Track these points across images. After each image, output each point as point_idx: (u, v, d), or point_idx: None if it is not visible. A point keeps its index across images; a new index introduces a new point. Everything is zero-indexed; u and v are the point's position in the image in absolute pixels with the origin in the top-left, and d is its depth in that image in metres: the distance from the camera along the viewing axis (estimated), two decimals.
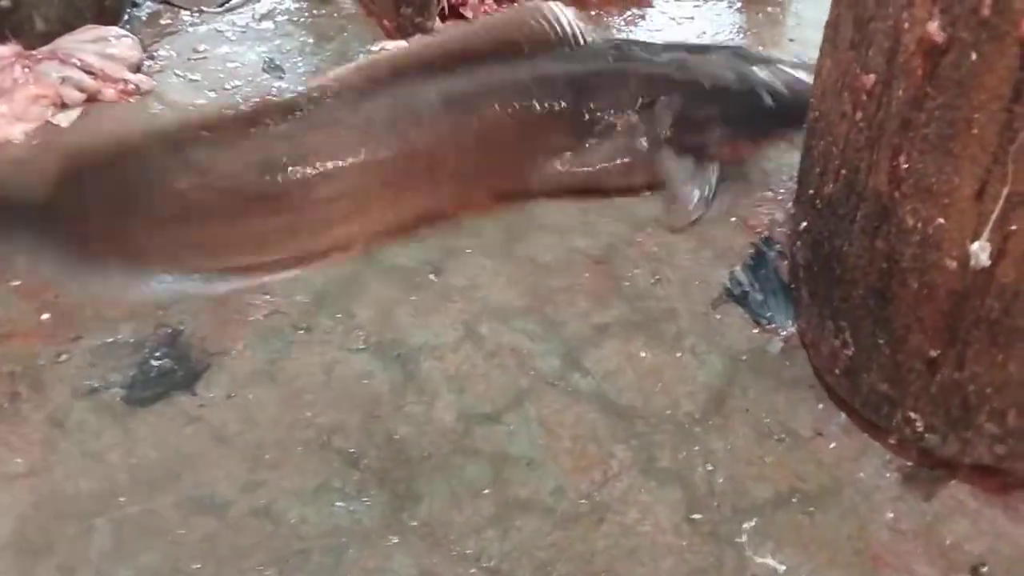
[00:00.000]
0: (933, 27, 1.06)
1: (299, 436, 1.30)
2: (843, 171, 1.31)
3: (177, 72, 2.07)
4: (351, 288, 1.54)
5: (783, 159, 1.87)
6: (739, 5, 2.51)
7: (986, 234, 1.07)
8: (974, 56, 1.02)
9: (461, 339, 1.46)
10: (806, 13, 2.41)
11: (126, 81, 1.98)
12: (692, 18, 2.43)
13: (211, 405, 1.34)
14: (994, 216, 1.06)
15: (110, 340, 1.43)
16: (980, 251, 1.08)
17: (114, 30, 2.07)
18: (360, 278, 1.56)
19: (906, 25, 1.11)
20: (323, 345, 1.44)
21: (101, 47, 2.02)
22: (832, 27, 1.43)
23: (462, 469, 1.27)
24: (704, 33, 2.36)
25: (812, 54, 2.17)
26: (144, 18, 2.26)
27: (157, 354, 1.42)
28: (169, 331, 1.46)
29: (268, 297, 1.51)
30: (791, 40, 2.31)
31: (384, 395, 1.37)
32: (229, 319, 1.48)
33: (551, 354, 1.44)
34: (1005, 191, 1.04)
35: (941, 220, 1.12)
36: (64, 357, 1.40)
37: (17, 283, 1.51)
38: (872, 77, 1.20)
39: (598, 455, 1.29)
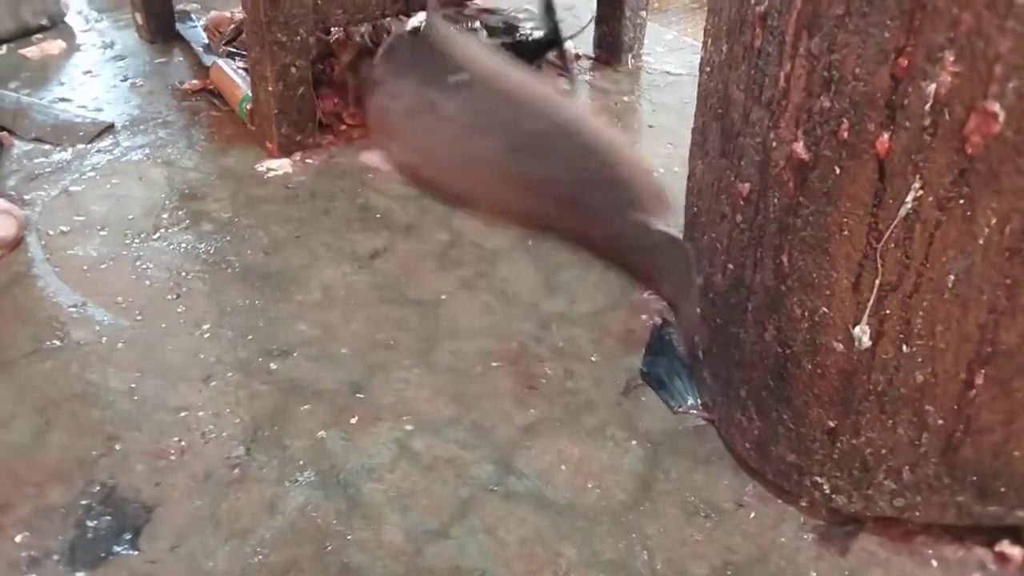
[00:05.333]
0: (799, 147, 1.22)
1: None
2: (730, 266, 1.46)
3: (55, 218, 2.05)
4: (278, 419, 1.57)
5: None
6: (596, 96, 2.68)
7: (865, 319, 1.23)
8: (838, 171, 1.18)
9: (396, 457, 1.51)
10: (659, 99, 2.62)
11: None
12: None
13: (158, 560, 1.34)
14: (870, 303, 1.22)
15: (41, 505, 1.41)
16: (862, 334, 1.24)
17: None
18: (286, 408, 1.59)
19: (773, 144, 1.27)
20: (260, 482, 1.46)
21: None
22: (700, 133, 1.60)
23: None
24: None
25: (671, 138, 2.40)
26: (14, 157, 2.22)
27: (92, 513, 1.40)
28: (100, 487, 1.44)
29: (196, 438, 1.53)
30: (651, 126, 2.50)
31: (331, 524, 1.40)
32: (159, 467, 1.48)
33: (485, 460, 1.51)
34: (877, 282, 1.20)
35: (825, 309, 1.27)
36: None
37: None
38: (747, 186, 1.36)
39: (546, 556, 1.37)
